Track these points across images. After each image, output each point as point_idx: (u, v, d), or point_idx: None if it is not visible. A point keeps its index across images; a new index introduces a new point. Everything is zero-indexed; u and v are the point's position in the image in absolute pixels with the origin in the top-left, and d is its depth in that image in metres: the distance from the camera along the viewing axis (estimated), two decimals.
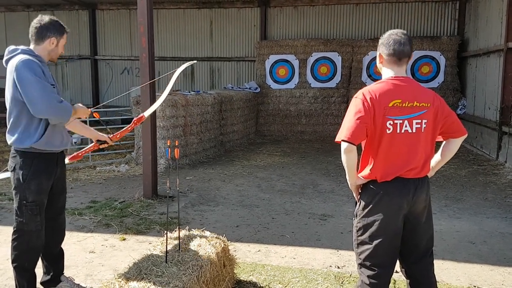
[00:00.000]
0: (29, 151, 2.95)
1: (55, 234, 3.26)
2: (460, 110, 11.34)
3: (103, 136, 3.42)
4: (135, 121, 3.55)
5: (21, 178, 2.93)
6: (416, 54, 11.51)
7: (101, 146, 3.47)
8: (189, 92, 9.33)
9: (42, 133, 2.93)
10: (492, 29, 9.57)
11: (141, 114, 3.59)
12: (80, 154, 3.45)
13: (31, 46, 3.01)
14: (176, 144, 3.27)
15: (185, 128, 8.37)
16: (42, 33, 2.98)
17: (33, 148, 2.94)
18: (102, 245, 4.45)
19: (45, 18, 3.04)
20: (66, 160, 3.33)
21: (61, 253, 3.38)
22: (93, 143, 3.46)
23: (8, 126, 2.98)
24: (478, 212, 5.60)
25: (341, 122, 2.57)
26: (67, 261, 3.58)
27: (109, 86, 15.04)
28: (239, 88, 12.46)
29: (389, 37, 2.57)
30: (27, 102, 2.81)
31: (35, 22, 3.02)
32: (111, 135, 3.46)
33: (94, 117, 3.29)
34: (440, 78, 11.73)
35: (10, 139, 2.97)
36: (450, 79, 11.69)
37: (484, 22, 10.21)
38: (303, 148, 10.68)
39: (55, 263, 3.33)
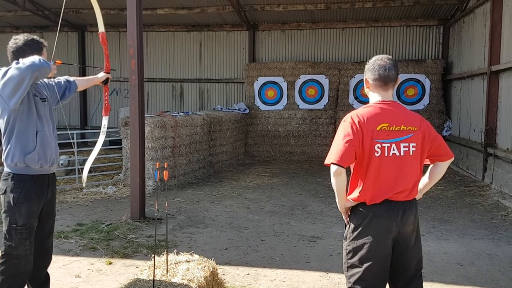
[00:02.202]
0: (21, 172, 2.92)
1: (42, 258, 3.19)
2: (445, 132, 11.52)
3: (102, 76, 3.71)
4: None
5: (11, 201, 2.89)
6: (401, 77, 11.73)
7: (108, 84, 3.81)
8: (178, 113, 9.35)
9: (34, 147, 2.91)
10: (476, 53, 9.82)
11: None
12: (107, 105, 3.85)
13: None
14: (165, 167, 3.25)
15: (174, 149, 8.35)
16: (19, 56, 2.94)
17: (26, 168, 2.91)
18: (88, 269, 4.37)
19: (19, 39, 3.01)
20: (104, 120, 3.72)
21: (46, 278, 3.30)
22: (103, 89, 3.82)
23: (3, 144, 2.95)
24: (466, 233, 5.64)
25: (329, 143, 2.60)
26: (52, 286, 3.49)
27: (98, 107, 14.99)
28: (228, 109, 12.53)
29: (375, 62, 2.63)
30: (5, 98, 2.80)
31: (10, 45, 3.00)
32: (104, 70, 3.74)
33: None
34: (426, 100, 11.95)
35: (3, 155, 2.94)
36: (435, 101, 11.91)
37: (467, 46, 10.48)
38: (292, 168, 10.70)
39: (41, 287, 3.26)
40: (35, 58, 2.80)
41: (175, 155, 8.38)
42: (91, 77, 3.80)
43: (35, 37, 3.08)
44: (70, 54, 14.75)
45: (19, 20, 14.04)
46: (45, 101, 3.06)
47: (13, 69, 2.75)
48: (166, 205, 3.29)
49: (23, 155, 2.89)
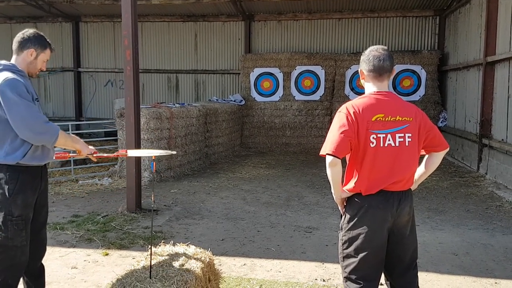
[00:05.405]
0: (15, 165, 2.90)
1: (37, 249, 3.19)
2: (441, 122, 11.55)
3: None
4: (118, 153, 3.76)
5: (6, 192, 2.87)
6: (397, 68, 11.72)
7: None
8: (174, 105, 9.31)
9: (27, 150, 2.89)
10: (471, 44, 9.81)
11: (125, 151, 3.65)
12: (68, 155, 3.54)
13: (13, 58, 3.01)
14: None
15: (170, 140, 8.33)
16: (23, 43, 3.00)
17: (19, 163, 2.90)
18: (85, 260, 4.37)
19: (30, 30, 3.05)
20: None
21: (42, 269, 3.30)
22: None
23: None
24: (460, 223, 5.68)
25: (325, 134, 2.59)
26: (48, 277, 3.50)
27: (93, 98, 14.91)
28: (224, 100, 12.49)
29: (369, 53, 2.62)
30: (11, 123, 2.78)
31: (19, 34, 3.04)
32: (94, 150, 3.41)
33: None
34: (421, 91, 11.95)
35: None
36: (431, 92, 11.92)
37: (463, 37, 10.47)
38: (288, 160, 10.71)
39: (36, 279, 3.25)
40: (52, 134, 2.86)
41: (171, 147, 8.37)
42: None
43: (45, 37, 3.11)
44: (64, 45, 14.61)
45: (12, 10, 13.86)
46: (38, 100, 3.03)
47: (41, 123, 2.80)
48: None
49: (16, 160, 2.87)
